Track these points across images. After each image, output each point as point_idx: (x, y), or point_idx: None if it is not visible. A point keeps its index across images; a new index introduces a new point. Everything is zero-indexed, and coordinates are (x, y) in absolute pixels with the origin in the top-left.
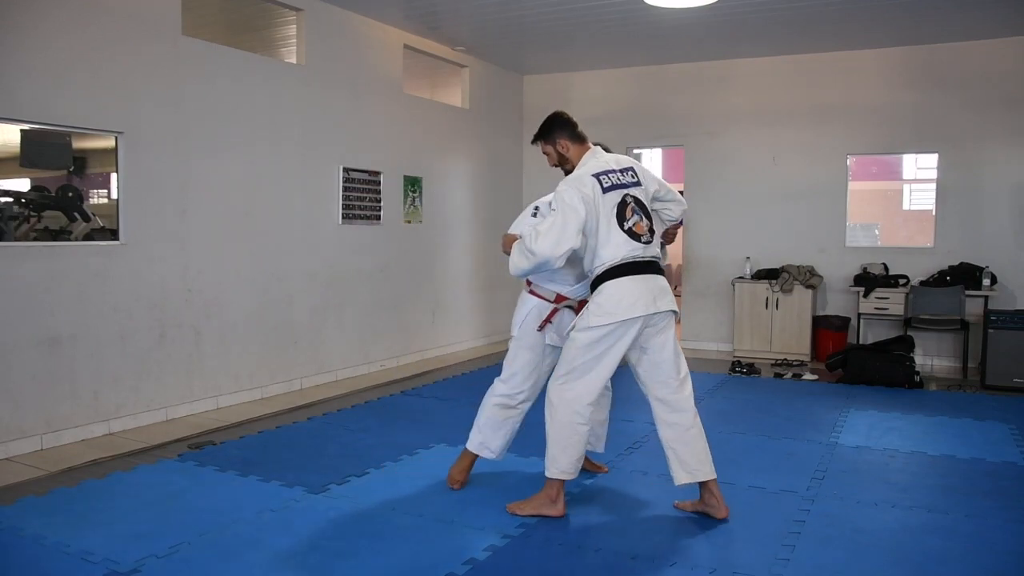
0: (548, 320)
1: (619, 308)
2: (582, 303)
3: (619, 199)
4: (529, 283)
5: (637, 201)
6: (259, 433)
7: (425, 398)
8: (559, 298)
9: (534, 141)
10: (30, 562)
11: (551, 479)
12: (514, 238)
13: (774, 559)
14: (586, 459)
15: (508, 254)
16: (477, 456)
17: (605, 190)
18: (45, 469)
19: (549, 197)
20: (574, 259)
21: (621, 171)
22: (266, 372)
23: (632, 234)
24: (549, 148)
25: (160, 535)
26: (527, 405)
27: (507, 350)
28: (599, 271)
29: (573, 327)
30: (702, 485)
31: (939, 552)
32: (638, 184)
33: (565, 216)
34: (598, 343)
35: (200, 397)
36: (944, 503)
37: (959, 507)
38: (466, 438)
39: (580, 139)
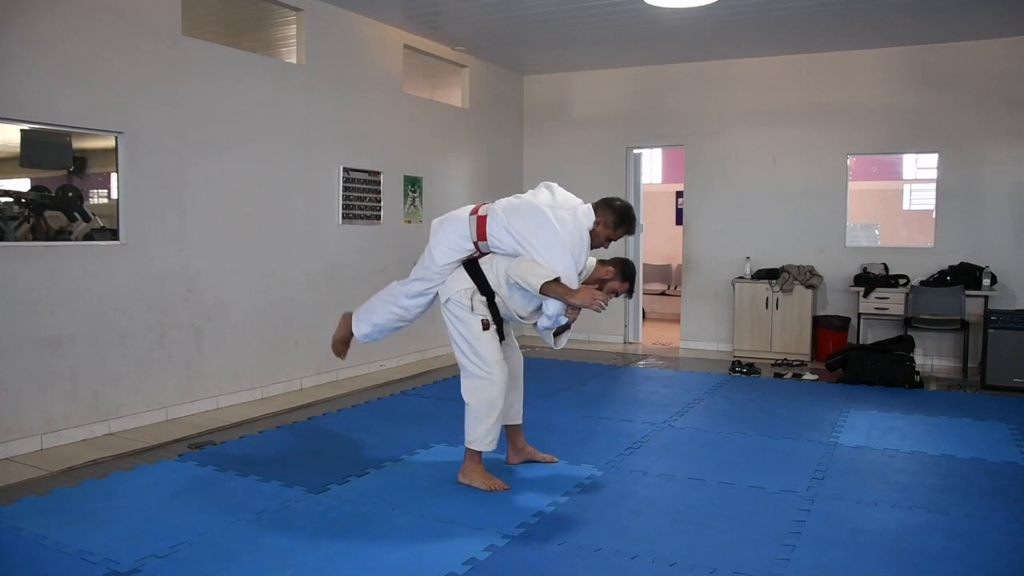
0: None
1: None
2: None
3: None
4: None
5: None
6: (259, 433)
7: (425, 398)
8: None
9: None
10: (30, 562)
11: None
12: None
13: (774, 559)
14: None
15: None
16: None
17: None
18: (45, 469)
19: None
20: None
21: None
22: (266, 372)
23: None
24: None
25: (160, 535)
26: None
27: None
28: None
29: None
30: None
31: (939, 552)
32: None
33: None
34: None
35: (200, 397)
36: (944, 503)
37: (959, 507)
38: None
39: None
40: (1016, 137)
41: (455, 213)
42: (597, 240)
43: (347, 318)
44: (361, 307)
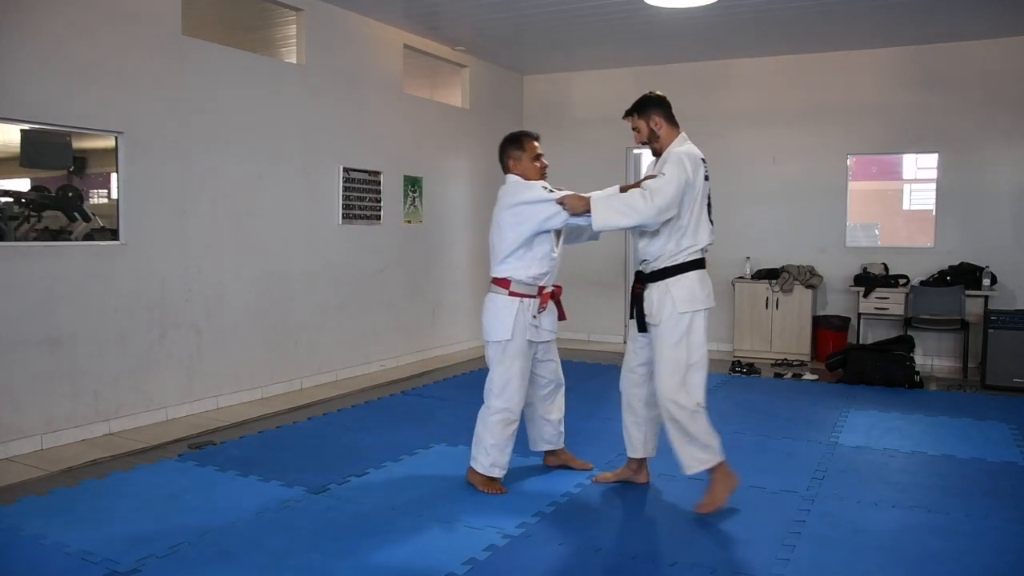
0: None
1: (707, 295)
2: (557, 289)
3: (708, 190)
4: (507, 284)
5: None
6: (259, 433)
7: (425, 398)
8: (540, 291)
9: (626, 115)
10: (30, 562)
11: (715, 467)
12: (580, 197)
13: (774, 559)
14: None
15: (578, 213)
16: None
17: (705, 177)
18: (45, 469)
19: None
20: (551, 243)
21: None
22: (266, 372)
23: (711, 226)
24: (641, 123)
25: (160, 535)
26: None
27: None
28: (689, 256)
29: (659, 323)
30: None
31: (939, 552)
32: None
33: (680, 181)
34: (701, 326)
35: (200, 397)
36: (944, 503)
37: (959, 507)
38: (467, 439)
39: (673, 121)
40: (1016, 137)
41: None
42: (530, 175)
43: (485, 484)
44: (472, 452)
